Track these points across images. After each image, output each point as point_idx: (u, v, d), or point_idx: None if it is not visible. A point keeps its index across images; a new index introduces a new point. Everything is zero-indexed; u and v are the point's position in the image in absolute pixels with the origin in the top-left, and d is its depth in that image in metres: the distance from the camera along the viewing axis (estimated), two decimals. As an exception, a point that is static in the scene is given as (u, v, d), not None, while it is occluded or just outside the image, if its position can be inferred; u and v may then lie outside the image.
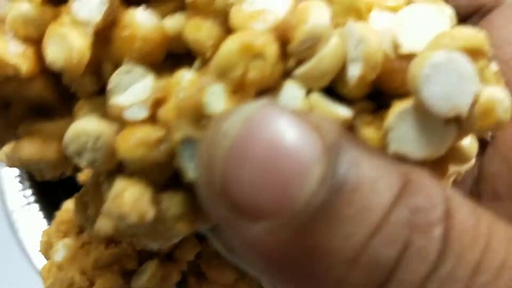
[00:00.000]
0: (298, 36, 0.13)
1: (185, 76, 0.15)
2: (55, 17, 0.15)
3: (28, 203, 0.47)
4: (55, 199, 0.37)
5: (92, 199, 0.18)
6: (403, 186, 0.12)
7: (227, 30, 0.14)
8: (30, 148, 0.16)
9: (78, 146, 0.15)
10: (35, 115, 0.16)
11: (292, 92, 0.14)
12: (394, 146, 0.14)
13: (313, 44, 0.14)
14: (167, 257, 0.31)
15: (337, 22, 0.15)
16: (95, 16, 0.14)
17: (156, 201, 0.16)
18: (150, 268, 0.29)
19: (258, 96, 0.14)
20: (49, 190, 0.46)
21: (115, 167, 0.16)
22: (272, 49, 0.13)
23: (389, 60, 0.14)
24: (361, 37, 0.14)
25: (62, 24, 0.15)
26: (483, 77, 0.13)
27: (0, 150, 0.38)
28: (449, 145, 0.14)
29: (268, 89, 0.14)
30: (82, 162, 0.15)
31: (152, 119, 0.15)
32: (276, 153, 0.12)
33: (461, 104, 0.13)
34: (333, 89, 0.15)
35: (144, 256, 0.30)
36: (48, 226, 0.33)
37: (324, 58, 0.14)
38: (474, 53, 0.13)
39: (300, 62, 0.14)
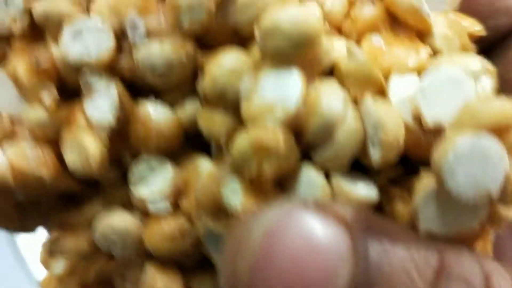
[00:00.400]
0: (311, 127, 0.13)
1: (204, 166, 0.15)
2: (70, 118, 0.15)
3: None
4: None
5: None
6: (439, 270, 0.12)
7: (240, 119, 0.14)
8: (66, 243, 0.16)
9: (108, 241, 0.15)
10: (65, 203, 0.17)
11: (310, 178, 0.13)
12: (424, 225, 0.13)
13: (326, 131, 0.13)
14: None
15: (354, 96, 0.14)
16: (107, 117, 0.14)
17: (187, 286, 0.16)
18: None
19: (276, 185, 0.14)
20: None
21: (142, 260, 0.16)
22: (284, 143, 0.13)
23: (412, 132, 0.14)
24: (378, 121, 0.13)
25: (78, 127, 0.15)
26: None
27: None
28: (482, 219, 0.13)
29: (286, 176, 0.14)
30: (115, 254, 0.16)
31: (175, 209, 0.15)
32: (300, 264, 0.12)
33: (490, 188, 0.12)
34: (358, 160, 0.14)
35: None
36: (48, 237, 0.35)
37: (340, 142, 0.13)
38: (502, 130, 0.12)
39: (317, 145, 0.14)
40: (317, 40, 0.13)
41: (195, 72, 0.15)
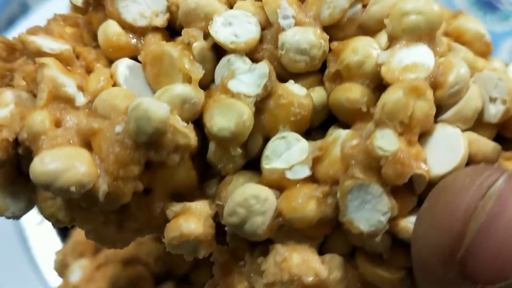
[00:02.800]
0: (448, 82, 0.15)
1: (341, 133, 0.16)
2: (209, 96, 0.16)
3: (42, 221, 0.43)
4: None
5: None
6: None
7: (374, 89, 0.16)
8: (190, 224, 0.16)
9: (246, 210, 0.15)
10: (171, 199, 0.17)
11: (448, 131, 0.15)
12: None
13: (459, 89, 0.15)
14: (183, 280, 0.30)
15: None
16: (255, 89, 0.16)
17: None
18: (166, 291, 0.28)
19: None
20: None
21: (271, 237, 0.16)
22: (431, 92, 0.15)
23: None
24: (499, 78, 0.16)
25: (220, 98, 0.16)
26: None
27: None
28: None
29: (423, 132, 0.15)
30: (245, 229, 0.16)
31: (312, 178, 0.16)
32: None
33: None
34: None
35: (160, 279, 0.29)
36: (63, 245, 0.32)
37: (470, 100, 0.16)
38: None
39: (447, 104, 0.16)
40: (440, 23, 0.16)
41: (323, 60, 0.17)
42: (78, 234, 0.31)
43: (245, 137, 0.16)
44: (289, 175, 0.16)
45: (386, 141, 0.15)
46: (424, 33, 0.16)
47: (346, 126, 0.17)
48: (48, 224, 0.46)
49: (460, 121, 0.16)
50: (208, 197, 0.17)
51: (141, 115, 0.14)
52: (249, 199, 0.15)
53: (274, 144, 0.16)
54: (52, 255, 0.32)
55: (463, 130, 0.16)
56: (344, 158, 0.15)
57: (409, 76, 0.15)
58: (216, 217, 0.17)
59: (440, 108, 0.16)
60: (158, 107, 0.15)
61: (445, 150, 0.15)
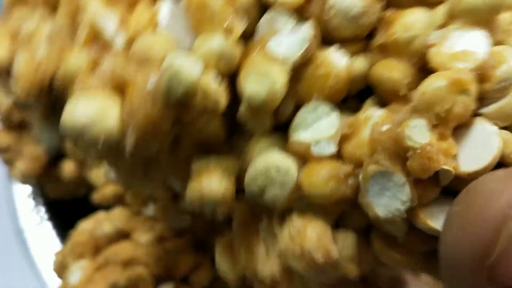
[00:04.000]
0: (496, 76, 0.14)
1: (375, 113, 0.15)
2: (246, 53, 0.16)
3: (41, 222, 0.46)
4: (68, 218, 0.37)
5: (243, 245, 0.17)
6: None
7: (419, 70, 0.15)
8: (211, 183, 0.15)
9: (266, 180, 0.15)
10: (199, 152, 0.16)
11: (485, 129, 0.15)
12: None
13: (507, 85, 0.15)
14: (183, 281, 0.31)
15: None
16: (294, 53, 0.15)
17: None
18: (167, 292, 0.29)
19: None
20: (62, 209, 0.45)
21: (289, 207, 0.16)
22: (475, 86, 0.14)
23: None
24: None
25: (257, 60, 0.15)
26: None
27: (15, 168, 0.37)
28: None
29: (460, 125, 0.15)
30: (265, 198, 0.15)
31: (337, 155, 0.16)
32: None
33: None
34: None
35: (159, 280, 0.30)
36: (62, 246, 0.33)
37: None
38: None
39: (484, 102, 0.15)
40: (501, 7, 0.15)
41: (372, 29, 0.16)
42: (78, 235, 0.32)
43: (276, 105, 0.15)
44: (314, 150, 0.15)
45: (418, 132, 0.14)
46: (482, 17, 0.15)
47: (382, 102, 0.16)
48: (48, 225, 0.46)
49: (500, 118, 0.15)
50: (235, 153, 0.17)
51: (173, 75, 0.14)
52: (270, 169, 0.15)
53: (304, 114, 0.16)
54: (52, 256, 0.33)
55: (500, 128, 0.15)
56: (372, 142, 0.15)
57: (456, 65, 0.14)
58: (241, 173, 0.16)
59: (482, 100, 0.15)
60: (190, 68, 0.14)
61: (478, 146, 0.15)
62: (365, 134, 0.15)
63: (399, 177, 0.14)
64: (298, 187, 0.16)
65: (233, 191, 0.16)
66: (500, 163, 0.15)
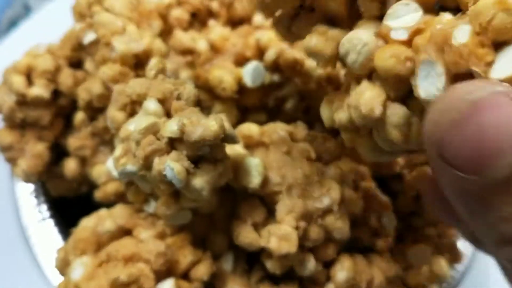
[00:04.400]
0: None
1: (446, 17, 0.20)
2: None
3: (43, 219, 0.46)
4: (70, 215, 0.36)
5: (338, 98, 0.24)
6: None
7: None
8: (317, 39, 0.22)
9: (349, 46, 0.21)
10: (324, 22, 0.23)
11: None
12: None
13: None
14: (183, 277, 0.31)
15: None
16: None
17: (385, 106, 0.21)
18: (167, 288, 0.29)
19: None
20: (65, 206, 0.45)
21: (365, 74, 0.21)
22: None
23: None
24: None
25: None
26: None
27: (18, 166, 0.37)
28: None
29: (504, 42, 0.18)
30: (346, 60, 0.21)
31: (408, 43, 0.20)
32: (485, 134, 0.16)
33: None
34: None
35: (160, 276, 0.30)
36: (65, 243, 0.33)
37: None
38: None
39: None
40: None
41: None
42: (80, 232, 0.32)
43: None
44: (392, 34, 0.21)
45: (462, 34, 0.18)
46: None
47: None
48: (50, 223, 0.46)
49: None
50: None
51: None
52: (354, 39, 0.21)
53: (398, 7, 0.21)
54: (54, 253, 0.33)
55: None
56: (430, 35, 0.19)
57: None
58: None
59: None
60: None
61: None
62: (432, 30, 0.19)
63: (439, 68, 0.19)
64: (371, 59, 0.21)
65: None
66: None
